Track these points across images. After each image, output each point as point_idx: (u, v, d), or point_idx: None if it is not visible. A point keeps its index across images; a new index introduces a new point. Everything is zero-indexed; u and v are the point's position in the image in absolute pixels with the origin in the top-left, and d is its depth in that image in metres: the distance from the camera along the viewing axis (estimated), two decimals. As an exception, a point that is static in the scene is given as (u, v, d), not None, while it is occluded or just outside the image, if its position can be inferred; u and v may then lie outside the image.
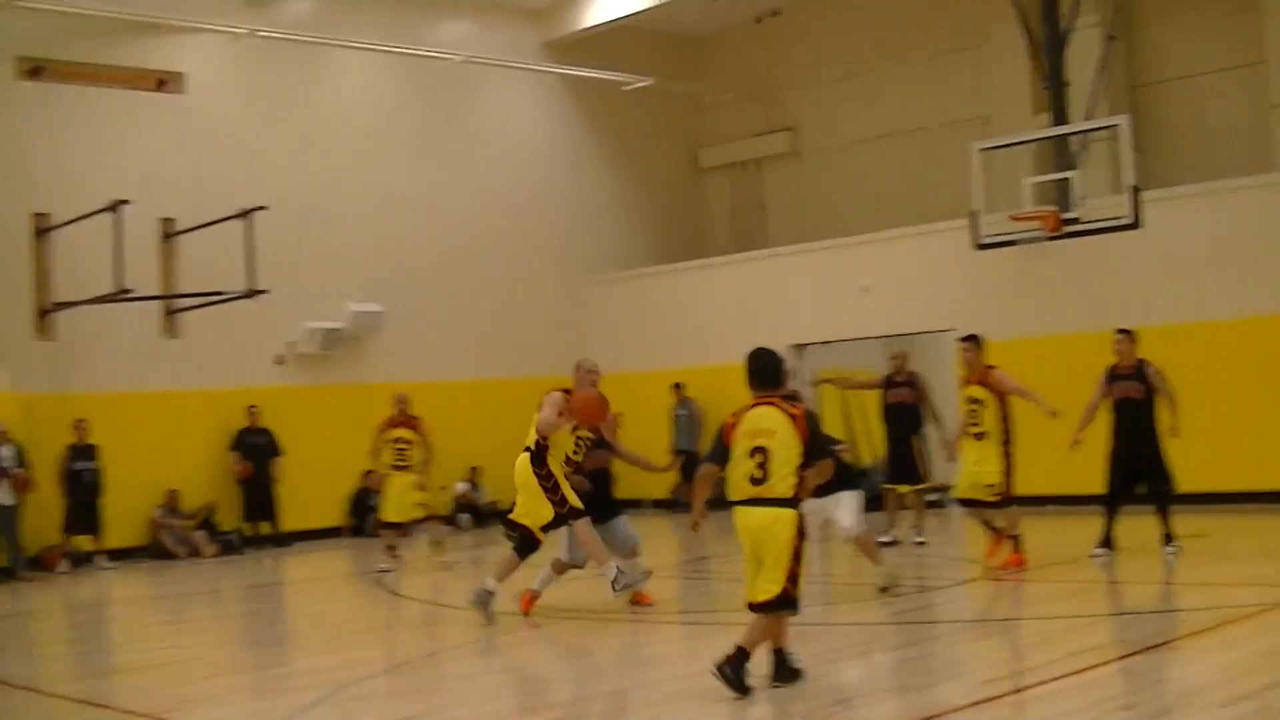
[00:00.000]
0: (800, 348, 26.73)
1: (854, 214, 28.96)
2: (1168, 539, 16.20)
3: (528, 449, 13.53)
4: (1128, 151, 19.94)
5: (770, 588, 9.38)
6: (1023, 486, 20.55)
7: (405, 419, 20.32)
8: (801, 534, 9.45)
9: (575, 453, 13.90)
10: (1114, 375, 16.45)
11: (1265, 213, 21.77)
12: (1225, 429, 21.38)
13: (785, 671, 9.59)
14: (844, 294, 26.17)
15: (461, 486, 27.28)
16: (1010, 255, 21.09)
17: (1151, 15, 25.87)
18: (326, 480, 25.65)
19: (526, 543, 13.75)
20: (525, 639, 13.06)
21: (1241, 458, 21.44)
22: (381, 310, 26.74)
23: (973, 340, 16.27)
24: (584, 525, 13.20)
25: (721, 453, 9.68)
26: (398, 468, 20.10)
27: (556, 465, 13.42)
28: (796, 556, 9.40)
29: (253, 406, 25.04)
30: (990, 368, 16.05)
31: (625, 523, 14.22)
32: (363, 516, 25.77)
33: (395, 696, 10.80)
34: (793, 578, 9.39)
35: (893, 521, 19.07)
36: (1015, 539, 15.82)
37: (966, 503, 16.33)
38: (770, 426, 9.50)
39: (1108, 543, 16.24)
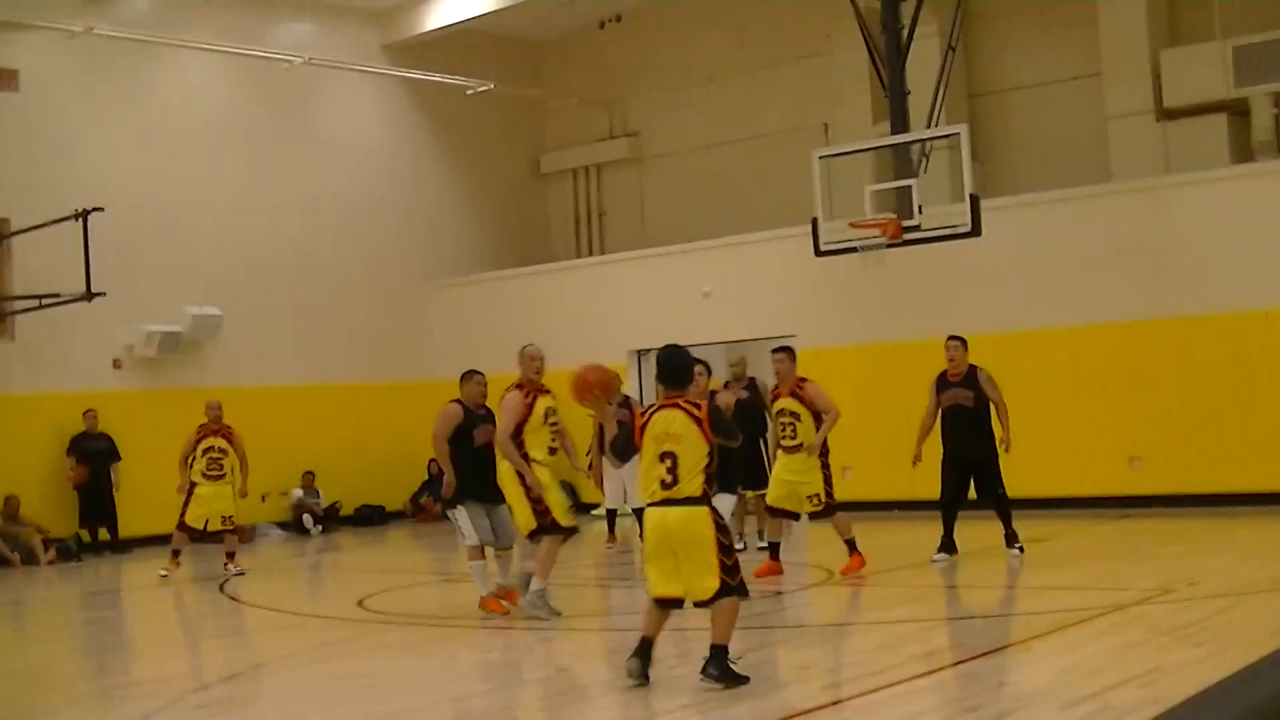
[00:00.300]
0: (642, 353, 26.74)
1: (696, 220, 29.00)
2: (1011, 539, 16.36)
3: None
4: (967, 160, 20.09)
5: (709, 585, 9.47)
6: (864, 492, 20.75)
7: (218, 428, 19.81)
8: (720, 527, 9.55)
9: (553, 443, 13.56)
10: (944, 382, 16.54)
11: (1102, 222, 22.10)
12: (1064, 435, 21.68)
13: (730, 671, 9.56)
14: (685, 300, 26.18)
15: (297, 493, 26.88)
16: (851, 262, 21.17)
17: (991, 26, 26.20)
18: (166, 485, 24.95)
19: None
20: (372, 645, 12.88)
21: (1076, 464, 21.74)
22: (220, 314, 26.25)
23: (785, 352, 15.98)
24: (553, 542, 13.13)
25: (627, 450, 9.82)
26: (211, 476, 19.58)
27: (543, 471, 13.26)
28: (722, 548, 9.48)
29: (90, 411, 24.43)
30: (803, 380, 15.76)
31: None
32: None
33: (239, 704, 10.60)
34: (727, 569, 9.48)
35: (739, 527, 19.06)
36: (850, 543, 15.83)
37: (777, 512, 16.01)
38: (677, 431, 9.58)
39: (947, 547, 16.35)
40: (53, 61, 25.09)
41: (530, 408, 13.32)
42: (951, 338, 16.60)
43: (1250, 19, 22.93)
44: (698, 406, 9.72)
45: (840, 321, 24.08)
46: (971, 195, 19.82)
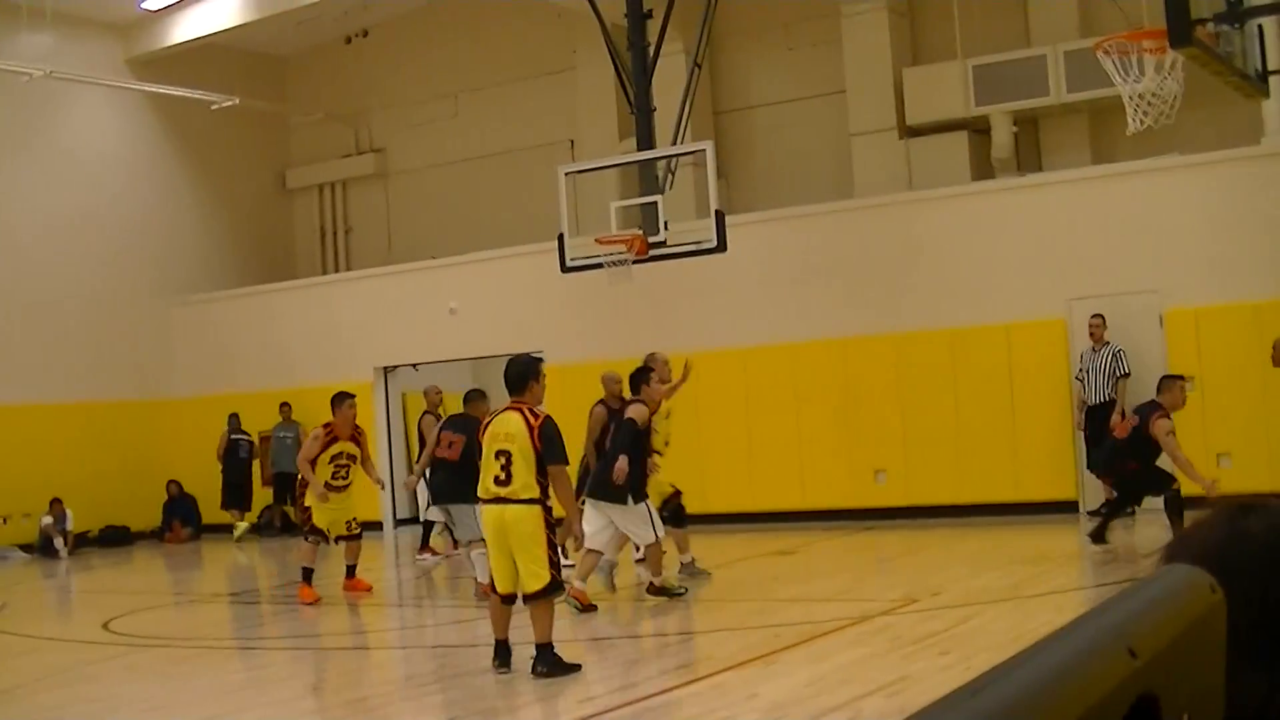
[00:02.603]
0: (389, 370, 26.48)
1: (443, 236, 28.82)
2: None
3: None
4: (712, 176, 20.19)
5: (536, 580, 9.91)
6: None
7: None
8: (549, 526, 10.01)
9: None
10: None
11: (846, 237, 22.41)
12: (808, 448, 21.90)
13: (559, 661, 10.14)
14: (432, 316, 25.98)
15: (46, 519, 25.79)
16: (598, 278, 21.15)
17: (736, 44, 26.45)
18: None
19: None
20: (116, 667, 12.53)
21: (822, 477, 21.97)
22: (-49, 331, 25.36)
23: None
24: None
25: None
26: None
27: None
28: (550, 545, 9.98)
29: None
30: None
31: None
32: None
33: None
34: (554, 564, 10.00)
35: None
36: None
37: None
38: (511, 431, 10.08)
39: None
40: None
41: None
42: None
43: (990, 39, 23.46)
44: (535, 415, 10.14)
45: (588, 337, 24.06)
46: (717, 211, 19.93)
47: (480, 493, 10.24)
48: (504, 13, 28.86)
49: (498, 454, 10.04)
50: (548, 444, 10.03)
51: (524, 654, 10.40)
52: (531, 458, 9.95)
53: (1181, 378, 16.76)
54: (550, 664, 9.97)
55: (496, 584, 10.19)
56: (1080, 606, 11.77)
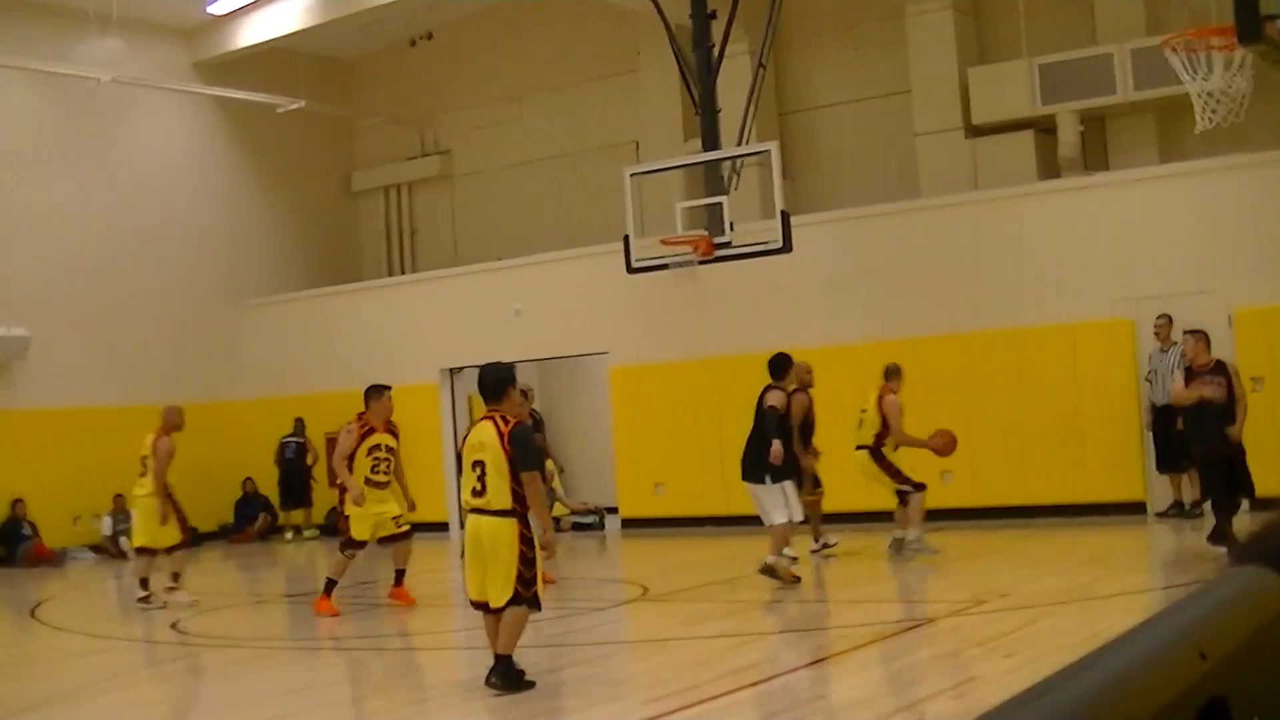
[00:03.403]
0: (454, 372, 26.54)
1: (507, 238, 28.89)
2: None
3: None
4: (778, 177, 20.17)
5: (502, 595, 9.81)
6: (677, 509, 20.85)
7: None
8: (525, 540, 9.85)
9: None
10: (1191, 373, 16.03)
11: (911, 237, 22.33)
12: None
13: (513, 676, 9.99)
14: (497, 317, 26.02)
15: (106, 520, 26.05)
16: (663, 279, 21.17)
17: (801, 44, 26.40)
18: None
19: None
20: (182, 668, 12.62)
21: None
22: (27, 335, 25.56)
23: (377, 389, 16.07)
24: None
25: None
26: None
27: None
28: (524, 560, 9.82)
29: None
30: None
31: None
32: (12, 547, 24.68)
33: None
34: (524, 580, 9.83)
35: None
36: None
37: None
38: (484, 440, 9.97)
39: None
40: None
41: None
42: (1187, 332, 16.21)
43: (1056, 37, 23.34)
44: (506, 421, 10.03)
45: (653, 338, 24.08)
46: (782, 212, 19.91)
47: (463, 504, 10.18)
48: (568, 14, 28.92)
49: (474, 465, 9.95)
50: (518, 448, 9.90)
51: (527, 658, 10.41)
52: (504, 466, 9.81)
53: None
54: (505, 677, 9.88)
55: (470, 593, 10.11)
56: (1149, 608, 11.72)
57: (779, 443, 15.10)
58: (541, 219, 28.94)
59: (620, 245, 21.18)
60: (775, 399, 15.58)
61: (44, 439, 25.44)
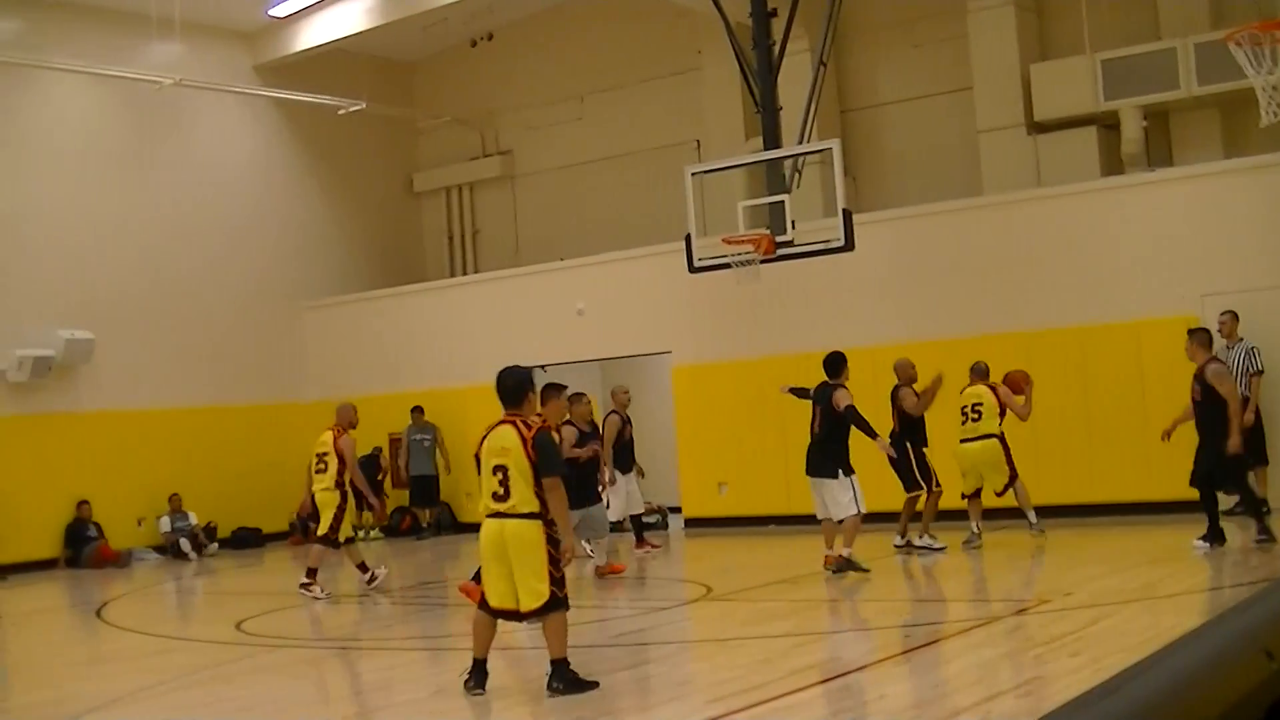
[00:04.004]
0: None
1: (569, 237, 28.96)
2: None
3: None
4: (839, 175, 20.15)
5: (535, 597, 9.78)
6: (740, 508, 20.83)
7: None
8: (552, 541, 9.81)
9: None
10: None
11: (974, 234, 22.24)
12: (940, 448, 21.74)
13: (574, 678, 9.93)
14: (559, 317, 26.07)
15: (164, 520, 26.27)
16: (725, 278, 21.15)
17: (862, 42, 26.35)
18: (39, 511, 24.67)
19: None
20: (247, 668, 12.68)
21: (954, 475, 21.80)
22: (92, 337, 25.74)
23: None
24: None
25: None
26: None
27: None
28: (553, 561, 9.80)
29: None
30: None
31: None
32: (78, 548, 24.87)
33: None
34: (555, 580, 9.80)
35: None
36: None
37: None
38: (506, 445, 9.90)
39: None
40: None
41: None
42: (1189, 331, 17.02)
43: (1118, 32, 23.21)
44: (528, 426, 10.02)
45: (715, 337, 24.07)
46: (844, 210, 19.89)
47: (481, 508, 10.11)
48: (628, 14, 28.95)
49: (495, 469, 9.90)
50: (542, 455, 9.85)
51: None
52: (528, 471, 9.79)
53: None
54: (566, 680, 9.82)
55: (489, 598, 10.03)
56: (1214, 608, 11.66)
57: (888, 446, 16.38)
58: (603, 218, 28.98)
59: (682, 244, 21.19)
60: (846, 398, 15.89)
61: (109, 441, 25.64)
